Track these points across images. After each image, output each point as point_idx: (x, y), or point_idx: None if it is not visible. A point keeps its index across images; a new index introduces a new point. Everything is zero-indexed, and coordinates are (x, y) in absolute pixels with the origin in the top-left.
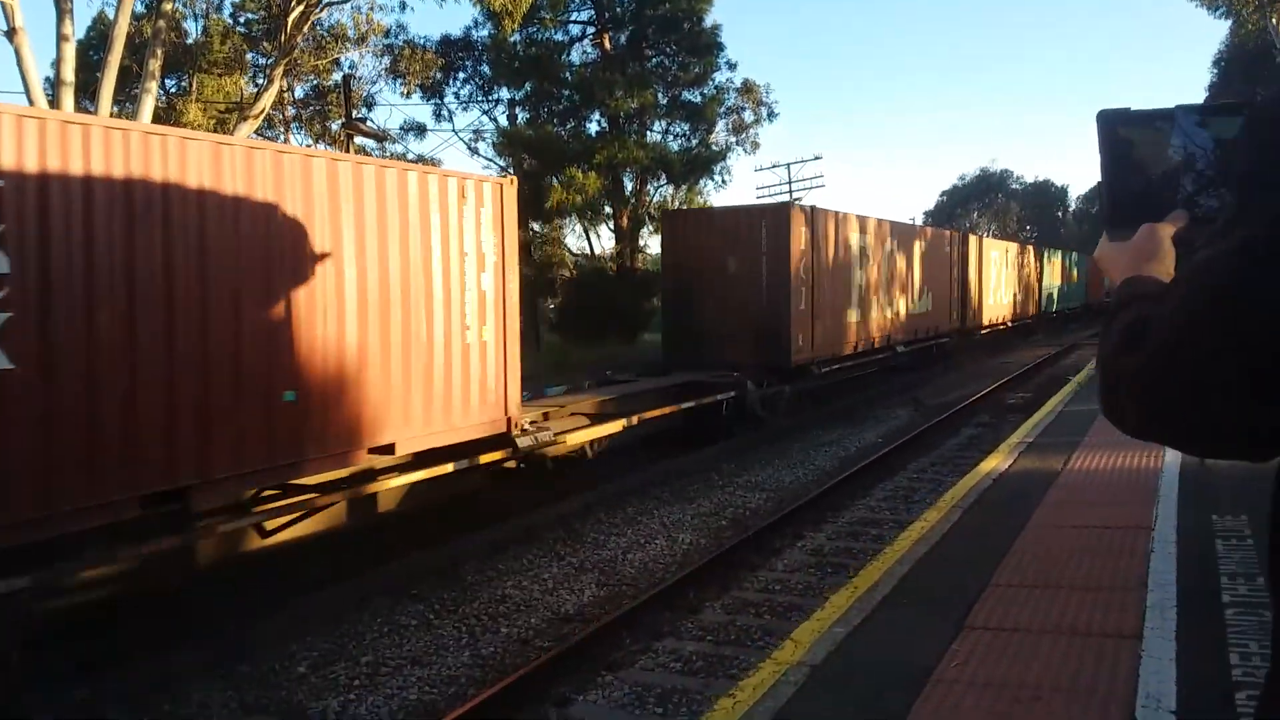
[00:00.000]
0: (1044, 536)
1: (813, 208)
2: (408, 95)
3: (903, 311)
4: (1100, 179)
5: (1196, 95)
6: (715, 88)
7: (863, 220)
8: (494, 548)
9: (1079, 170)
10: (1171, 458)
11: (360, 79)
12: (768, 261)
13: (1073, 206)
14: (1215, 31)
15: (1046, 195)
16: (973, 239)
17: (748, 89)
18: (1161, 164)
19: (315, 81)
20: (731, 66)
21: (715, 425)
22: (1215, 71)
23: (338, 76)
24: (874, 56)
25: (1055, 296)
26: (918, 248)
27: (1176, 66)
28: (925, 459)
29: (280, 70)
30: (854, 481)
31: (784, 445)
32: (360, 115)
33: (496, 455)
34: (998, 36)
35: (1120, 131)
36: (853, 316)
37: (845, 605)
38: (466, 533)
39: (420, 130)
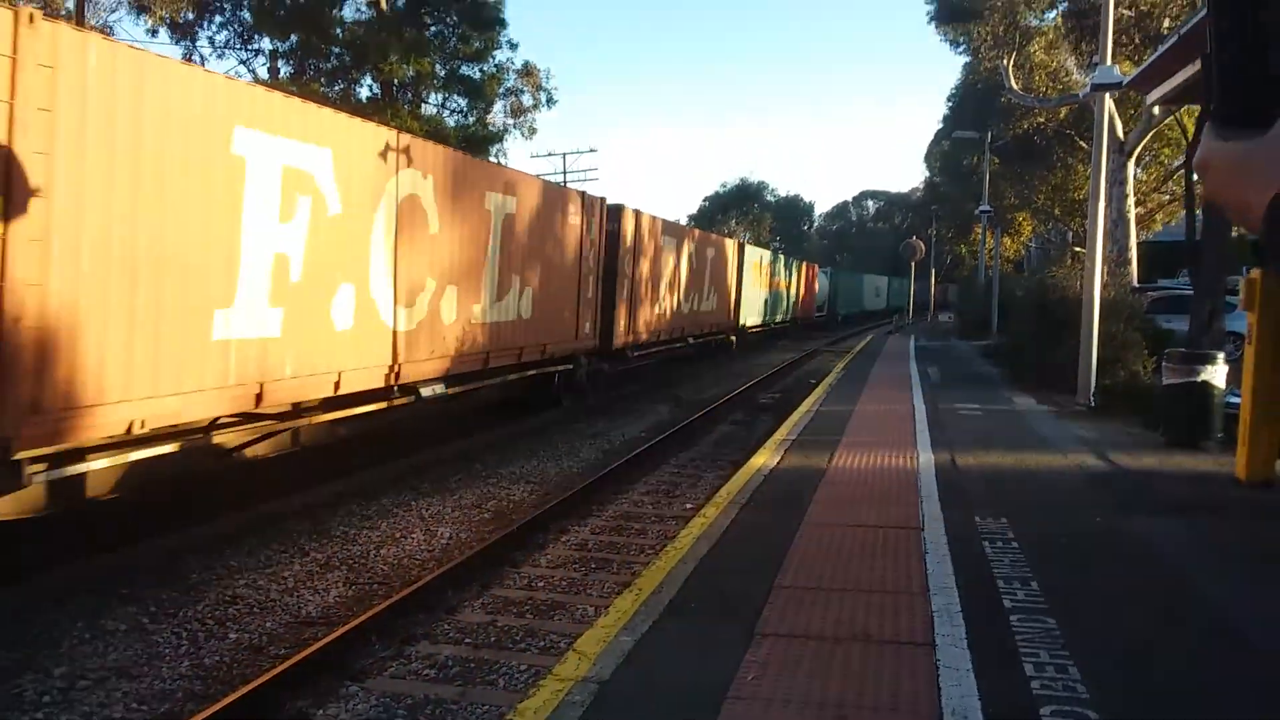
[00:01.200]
0: (821, 536)
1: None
2: (153, 32)
3: (454, 315)
4: (1210, 54)
5: (933, 127)
6: (496, 65)
7: (319, 115)
8: (225, 540)
9: (823, 189)
10: (925, 458)
11: (97, 5)
12: None
13: (816, 223)
14: (955, 69)
15: (795, 209)
16: (631, 213)
17: (528, 71)
18: None
19: (42, 4)
20: (513, 46)
21: None
22: (950, 105)
23: (70, 2)
24: (656, 64)
25: (790, 305)
26: (503, 206)
27: (917, 99)
28: (685, 455)
29: None
30: (618, 475)
31: (549, 436)
32: None
33: None
34: (777, 55)
35: None
36: (243, 328)
37: (630, 610)
38: (191, 523)
39: None
